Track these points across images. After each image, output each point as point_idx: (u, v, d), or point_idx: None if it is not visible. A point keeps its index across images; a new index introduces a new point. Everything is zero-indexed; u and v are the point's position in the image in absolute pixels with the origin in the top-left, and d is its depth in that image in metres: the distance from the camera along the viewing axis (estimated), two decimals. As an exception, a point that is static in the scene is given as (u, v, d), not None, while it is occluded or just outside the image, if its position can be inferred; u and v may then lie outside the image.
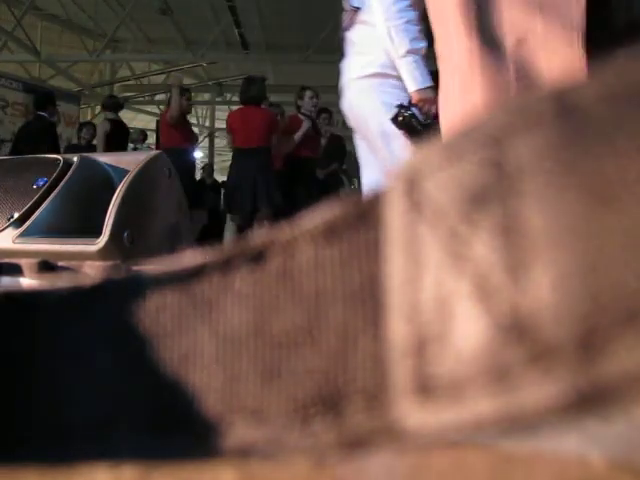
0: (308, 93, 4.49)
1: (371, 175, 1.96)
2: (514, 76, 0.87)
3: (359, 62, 1.89)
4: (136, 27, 8.03)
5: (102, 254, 0.91)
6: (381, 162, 1.84)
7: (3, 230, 0.98)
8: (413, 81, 1.72)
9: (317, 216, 0.16)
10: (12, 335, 0.19)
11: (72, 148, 4.84)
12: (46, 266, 0.54)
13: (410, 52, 1.72)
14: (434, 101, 1.54)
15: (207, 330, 0.17)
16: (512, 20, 0.85)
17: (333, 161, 4.59)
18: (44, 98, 4.61)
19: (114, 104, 4.80)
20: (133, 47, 8.60)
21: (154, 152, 1.10)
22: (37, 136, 4.21)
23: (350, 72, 1.92)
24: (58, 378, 0.19)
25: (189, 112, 4.41)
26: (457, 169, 0.13)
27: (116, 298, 0.19)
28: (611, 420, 0.11)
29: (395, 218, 0.15)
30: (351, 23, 1.95)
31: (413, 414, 0.14)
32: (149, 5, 6.75)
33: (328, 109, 4.88)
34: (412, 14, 1.71)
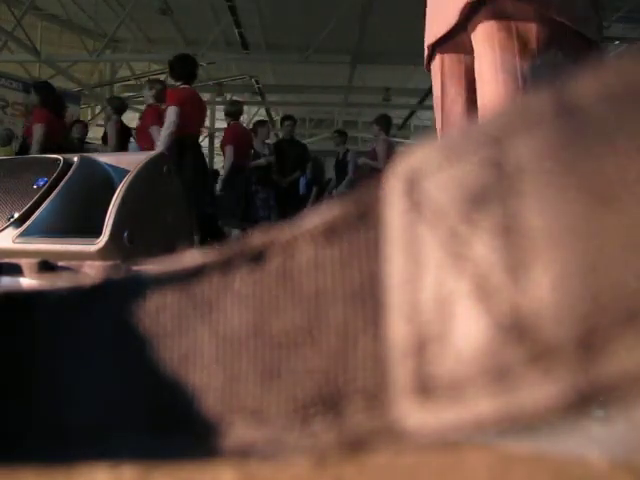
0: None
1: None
2: None
3: None
4: (136, 27, 8.03)
5: (102, 254, 0.91)
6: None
7: (3, 230, 0.98)
8: None
9: (317, 216, 0.16)
10: (12, 335, 0.19)
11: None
12: (46, 266, 0.54)
13: None
14: None
15: (207, 330, 0.17)
16: None
17: (296, 169, 4.60)
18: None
19: (121, 106, 4.80)
20: (133, 47, 8.59)
21: (154, 152, 1.10)
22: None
23: None
24: (58, 378, 0.19)
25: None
26: (457, 169, 0.13)
27: (116, 298, 0.19)
28: (611, 420, 0.11)
29: (395, 218, 0.15)
30: None
31: (413, 414, 0.14)
32: (149, 5, 6.74)
33: (292, 116, 4.89)
34: None
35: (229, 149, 4.03)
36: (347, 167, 4.73)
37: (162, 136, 3.14)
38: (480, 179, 0.13)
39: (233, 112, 4.32)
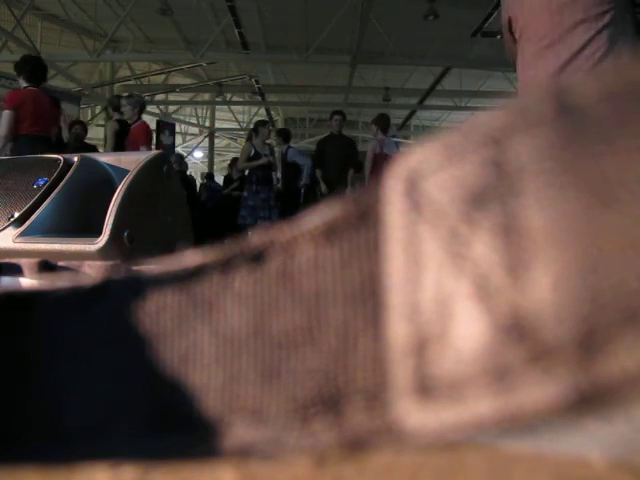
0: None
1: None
2: None
3: None
4: (136, 27, 8.03)
5: (102, 254, 0.91)
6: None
7: (3, 230, 0.98)
8: None
9: (317, 216, 0.16)
10: (12, 335, 0.19)
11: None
12: (46, 266, 0.54)
13: None
14: None
15: (207, 330, 0.17)
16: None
17: (346, 164, 4.56)
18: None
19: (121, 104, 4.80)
20: (133, 47, 8.60)
21: (154, 152, 1.10)
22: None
23: None
24: (58, 378, 0.19)
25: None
26: (457, 169, 0.13)
27: (116, 298, 0.19)
28: (611, 420, 0.11)
29: (395, 218, 0.15)
30: None
31: (413, 414, 0.14)
32: (149, 5, 6.75)
33: (341, 111, 4.86)
34: None
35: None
36: (292, 163, 4.77)
37: None
38: (480, 179, 0.13)
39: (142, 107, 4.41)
